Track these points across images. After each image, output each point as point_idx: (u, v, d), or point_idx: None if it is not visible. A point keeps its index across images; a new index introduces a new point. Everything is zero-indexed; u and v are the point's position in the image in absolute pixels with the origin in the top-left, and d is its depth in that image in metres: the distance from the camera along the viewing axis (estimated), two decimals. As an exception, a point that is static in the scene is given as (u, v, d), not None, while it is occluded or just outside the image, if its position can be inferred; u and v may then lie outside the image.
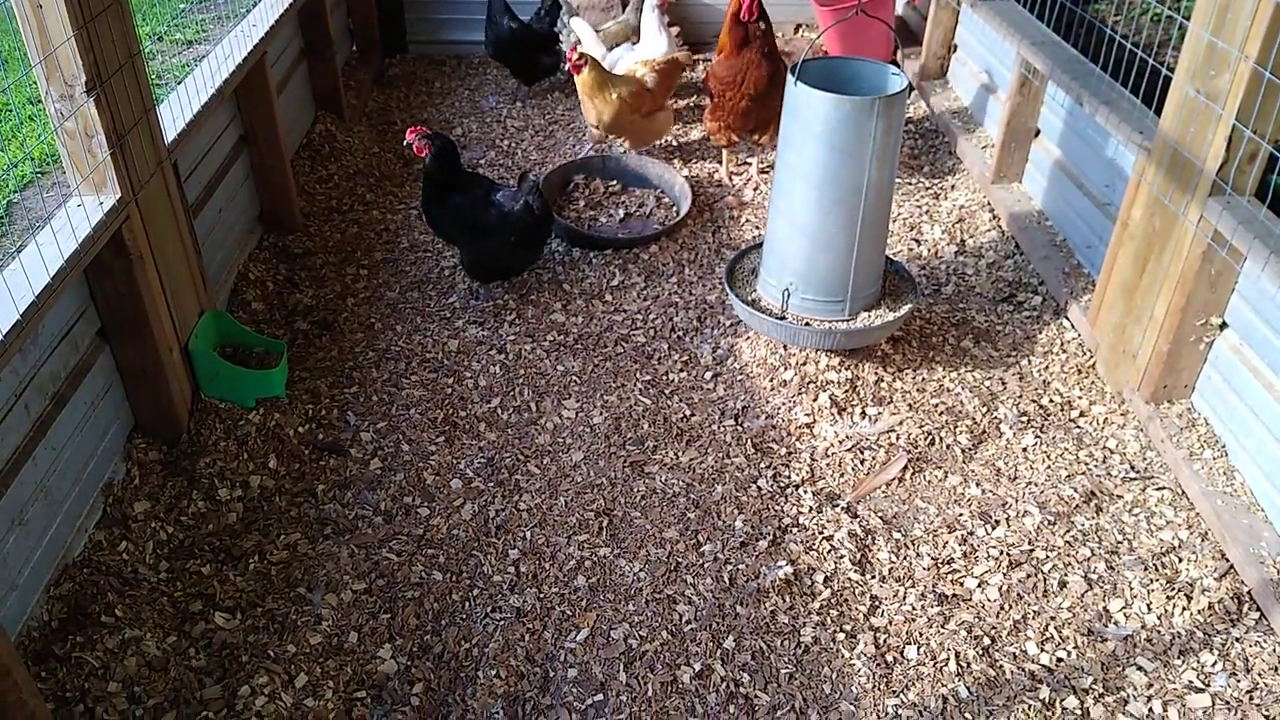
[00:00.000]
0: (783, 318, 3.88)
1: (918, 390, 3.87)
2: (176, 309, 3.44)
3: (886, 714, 2.67)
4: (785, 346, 4.06)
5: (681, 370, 4.05)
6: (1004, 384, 3.90)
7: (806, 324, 3.86)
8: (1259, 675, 2.71)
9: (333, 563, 3.13)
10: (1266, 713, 2.60)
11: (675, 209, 5.18)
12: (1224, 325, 3.42)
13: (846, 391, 3.85)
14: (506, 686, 2.79)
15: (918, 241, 4.86)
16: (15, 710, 2.35)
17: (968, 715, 2.64)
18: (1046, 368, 3.98)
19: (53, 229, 2.90)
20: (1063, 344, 4.10)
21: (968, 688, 2.71)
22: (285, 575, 3.06)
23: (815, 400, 3.81)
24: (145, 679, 2.67)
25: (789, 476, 3.50)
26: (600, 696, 2.75)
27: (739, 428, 3.73)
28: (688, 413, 3.82)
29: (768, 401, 3.84)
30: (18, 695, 2.33)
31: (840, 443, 3.64)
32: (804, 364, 3.97)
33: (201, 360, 3.51)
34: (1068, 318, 4.24)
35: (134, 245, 3.17)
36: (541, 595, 3.07)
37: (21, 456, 2.73)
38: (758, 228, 5.00)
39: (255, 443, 3.49)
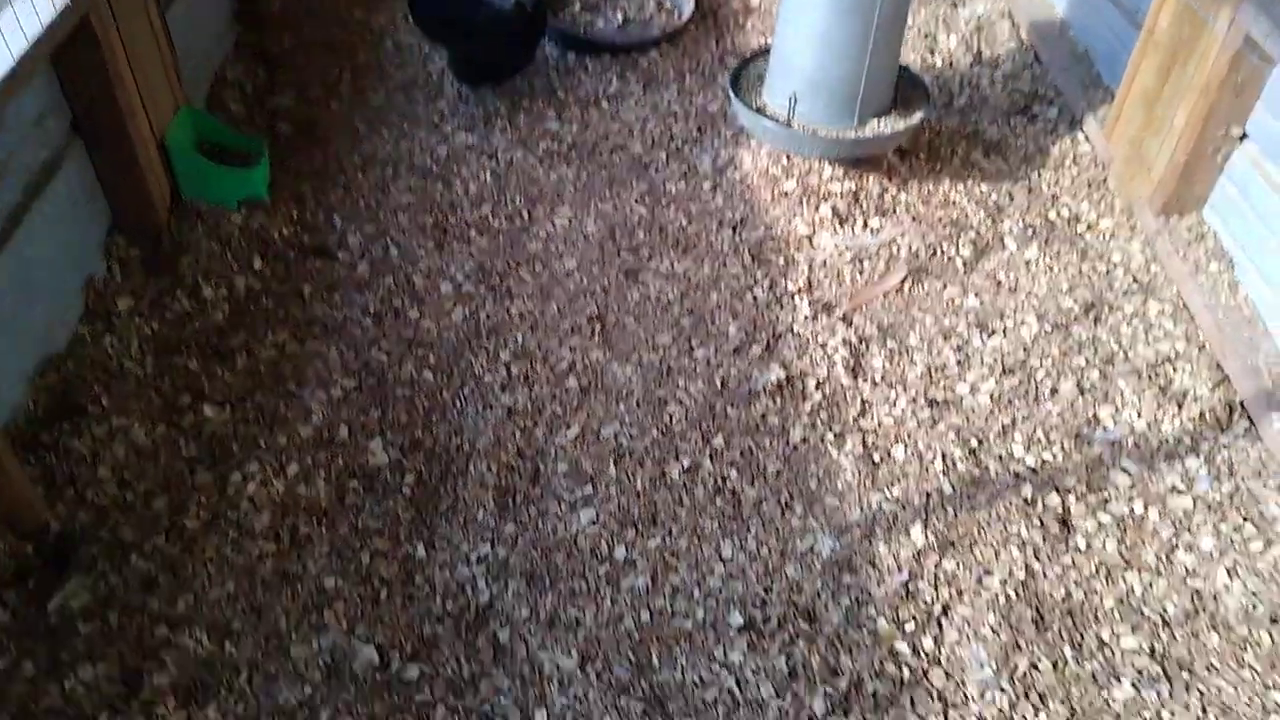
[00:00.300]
0: (789, 125, 3.73)
1: (922, 203, 3.75)
2: (151, 103, 3.29)
3: (870, 508, 2.70)
4: (788, 157, 3.92)
5: (679, 180, 3.93)
6: (1011, 197, 3.78)
7: (813, 132, 3.71)
8: (1242, 479, 2.72)
9: (322, 361, 3.11)
10: (1245, 514, 2.63)
11: (677, 14, 4.92)
12: (1244, 137, 3.28)
13: (849, 203, 3.74)
14: (497, 479, 2.81)
15: (932, 51, 4.63)
16: (4, 491, 2.37)
17: (950, 509, 2.67)
18: (1057, 181, 3.85)
19: (15, 11, 2.73)
20: (1075, 157, 3.95)
21: (952, 485, 2.74)
22: (274, 372, 3.05)
23: (817, 211, 3.71)
24: (135, 466, 2.69)
25: (785, 286, 3.44)
26: (590, 489, 2.78)
27: (737, 238, 3.65)
28: (684, 222, 3.72)
29: (767, 212, 3.74)
30: (5, 478, 2.35)
31: (840, 253, 3.56)
32: (807, 174, 3.85)
33: (179, 157, 3.39)
34: (1083, 130, 4.08)
35: (103, 34, 2.99)
36: (533, 395, 3.06)
37: (-3, 245, 2.67)
38: (764, 35, 4.75)
39: (238, 244, 3.41)
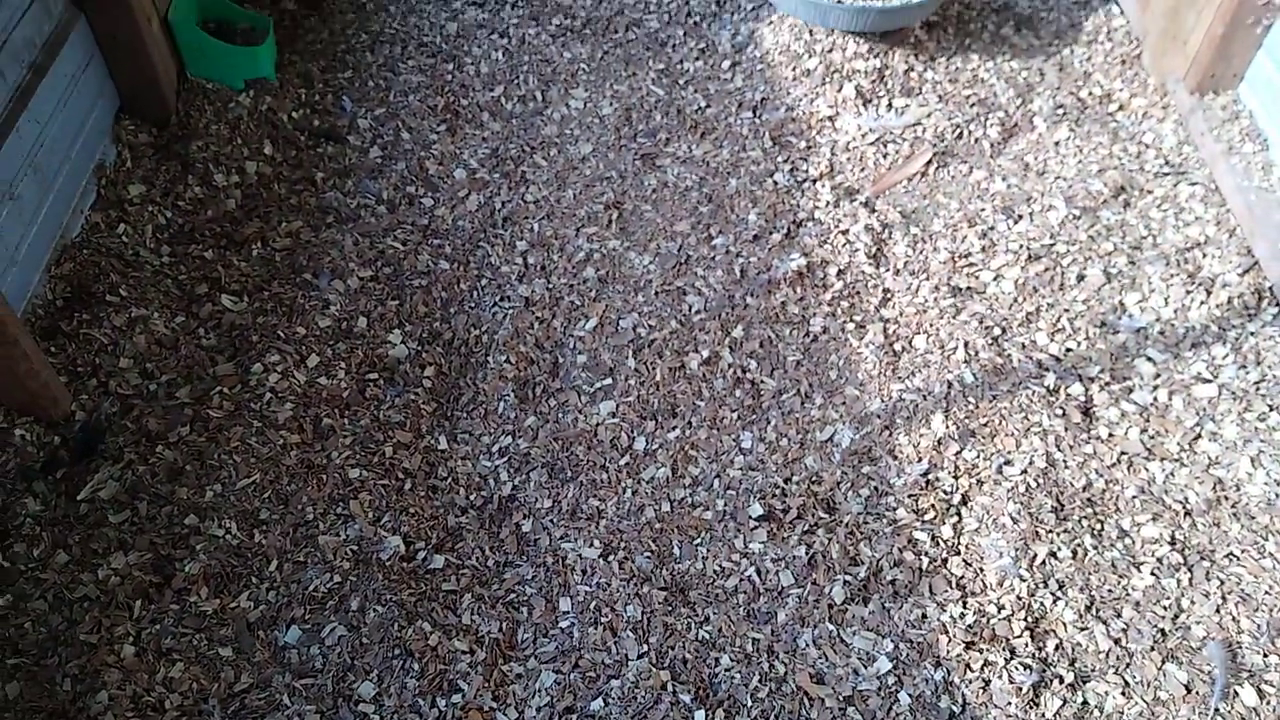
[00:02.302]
0: (810, -4, 3.57)
1: (949, 81, 3.62)
2: (150, -26, 3.16)
3: (890, 398, 2.69)
4: (810, 32, 3.76)
5: (697, 59, 3.79)
6: (1042, 75, 3.65)
7: (839, 1, 3.55)
8: (1269, 368, 2.69)
9: (337, 250, 3.07)
10: (1271, 402, 2.61)
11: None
12: (1288, 7, 3.13)
13: (873, 82, 3.60)
14: (517, 371, 2.81)
15: (961, -83, 4.39)
16: (28, 379, 2.37)
17: (971, 399, 2.66)
18: (1089, 58, 3.70)
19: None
20: (1109, 32, 3.79)
21: (974, 374, 2.72)
22: (290, 261, 3.02)
23: (839, 91, 3.58)
24: (156, 356, 2.69)
25: (807, 170, 3.36)
26: (609, 380, 2.78)
27: (757, 120, 3.54)
28: (703, 104, 3.61)
29: (788, 93, 3.62)
30: (29, 365, 2.35)
31: (863, 136, 3.45)
32: (829, 51, 3.70)
33: (183, 33, 3.27)
34: (1118, 3, 3.89)
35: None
36: (550, 286, 3.03)
37: (4, 127, 2.60)
38: (785, -100, 4.50)
39: (248, 127, 3.33)
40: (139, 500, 2.40)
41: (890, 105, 3.55)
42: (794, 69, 3.69)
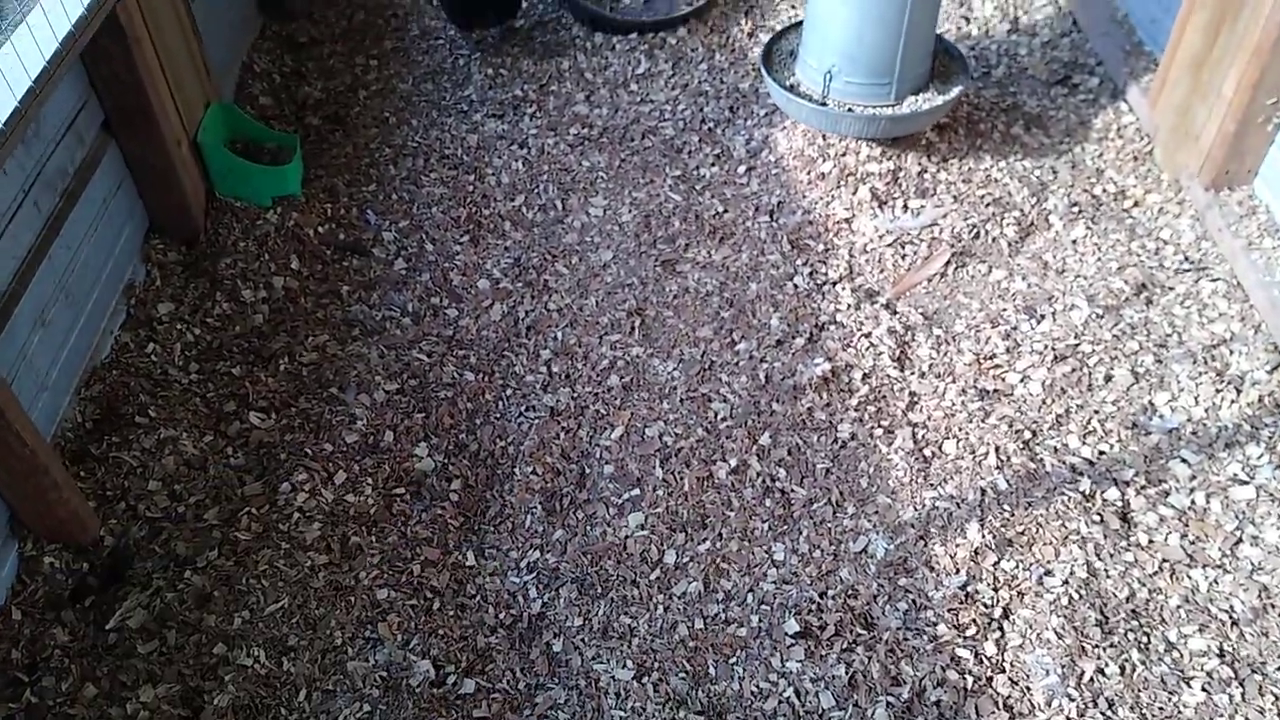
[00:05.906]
0: (824, 103, 3.64)
1: (963, 181, 3.67)
2: (181, 99, 3.25)
3: (923, 506, 2.66)
4: (824, 136, 3.83)
5: (713, 164, 3.86)
6: (1055, 173, 3.69)
7: (849, 110, 3.62)
8: (1306, 467, 2.66)
9: (363, 364, 3.08)
10: (1311, 504, 2.57)
11: (704, -12, 4.80)
12: (1299, 104, 3.18)
13: (888, 184, 3.65)
14: (543, 483, 2.79)
15: (967, 19, 4.50)
16: (58, 507, 2.37)
17: (1006, 507, 2.63)
18: (1100, 155, 3.75)
19: (44, 9, 2.69)
20: (1119, 129, 3.85)
21: (1007, 480, 2.69)
22: (316, 376, 3.03)
23: (855, 193, 3.63)
24: (185, 477, 2.69)
25: (826, 273, 3.38)
26: (637, 491, 2.76)
27: (774, 224, 3.58)
28: (720, 209, 3.66)
29: (804, 196, 3.67)
30: (58, 493, 2.35)
31: (880, 237, 3.49)
32: (843, 155, 3.76)
33: (212, 155, 3.36)
34: (1126, 100, 3.96)
35: (130, 26, 2.95)
36: (575, 394, 3.03)
37: (37, 255, 2.65)
38: (794, 7, 4.64)
39: (275, 243, 3.38)
40: (167, 628, 2.37)
41: (906, 206, 3.59)
42: (809, 173, 3.74)
